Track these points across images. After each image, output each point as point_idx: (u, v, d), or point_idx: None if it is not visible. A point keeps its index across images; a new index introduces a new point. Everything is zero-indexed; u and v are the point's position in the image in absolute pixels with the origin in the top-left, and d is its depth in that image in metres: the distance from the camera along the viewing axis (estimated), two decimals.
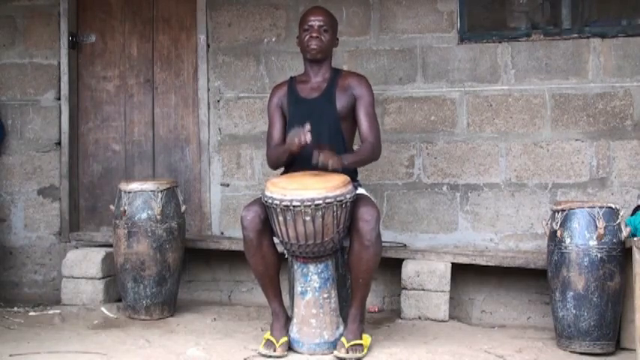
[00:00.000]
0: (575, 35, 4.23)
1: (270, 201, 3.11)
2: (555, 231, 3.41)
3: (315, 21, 3.47)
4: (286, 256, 3.36)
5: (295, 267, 3.28)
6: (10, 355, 3.23)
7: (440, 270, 3.93)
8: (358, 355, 3.18)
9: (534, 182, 4.26)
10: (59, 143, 4.78)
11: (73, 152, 4.80)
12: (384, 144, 3.92)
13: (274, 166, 3.54)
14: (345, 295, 3.39)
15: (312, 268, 3.22)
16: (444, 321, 3.90)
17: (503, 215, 4.28)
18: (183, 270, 4.32)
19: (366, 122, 3.44)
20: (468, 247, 4.28)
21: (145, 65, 4.78)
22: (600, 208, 3.35)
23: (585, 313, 3.32)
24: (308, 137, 3.16)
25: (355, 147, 3.59)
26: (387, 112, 4.42)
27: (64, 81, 4.77)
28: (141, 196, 3.95)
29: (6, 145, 4.84)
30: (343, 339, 3.19)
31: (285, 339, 3.25)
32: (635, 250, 2.88)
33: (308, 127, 3.17)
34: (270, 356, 3.20)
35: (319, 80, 3.53)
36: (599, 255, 3.31)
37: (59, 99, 4.79)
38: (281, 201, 3.07)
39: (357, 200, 3.18)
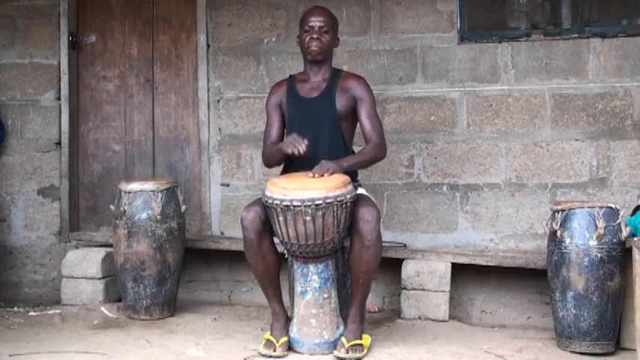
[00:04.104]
0: (575, 35, 4.23)
1: (270, 201, 3.11)
2: (555, 231, 3.41)
3: (316, 22, 3.47)
4: (286, 256, 3.36)
5: (295, 267, 3.28)
6: (10, 355, 3.23)
7: (440, 270, 3.93)
8: (358, 355, 3.18)
9: (534, 182, 4.26)
10: (59, 143, 4.78)
11: (73, 152, 4.79)
12: None
13: (267, 164, 3.56)
14: (345, 295, 3.39)
15: (312, 268, 3.22)
16: (444, 321, 3.90)
17: (503, 215, 4.28)
18: (183, 270, 4.32)
19: (369, 123, 3.45)
20: (468, 247, 4.28)
21: (145, 65, 4.78)
22: (600, 208, 3.34)
23: (585, 313, 3.32)
24: (302, 148, 3.19)
25: (355, 147, 3.60)
26: (387, 112, 4.41)
27: (64, 81, 4.77)
28: (141, 196, 3.95)
29: (6, 145, 4.84)
30: (343, 339, 3.19)
31: (285, 339, 3.25)
32: (635, 250, 2.88)
33: (306, 142, 3.21)
34: (270, 356, 3.21)
35: (319, 80, 3.54)
36: (599, 255, 3.31)
37: (59, 99, 4.79)
38: (281, 201, 3.07)
39: (357, 200, 3.18)
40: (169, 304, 4.02)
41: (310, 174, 3.18)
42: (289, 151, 3.22)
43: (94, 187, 4.83)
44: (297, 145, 3.20)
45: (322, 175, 3.15)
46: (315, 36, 3.45)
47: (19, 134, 4.84)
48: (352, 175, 3.40)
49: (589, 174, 4.19)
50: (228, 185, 4.64)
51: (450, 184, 4.36)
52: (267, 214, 3.20)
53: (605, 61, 4.18)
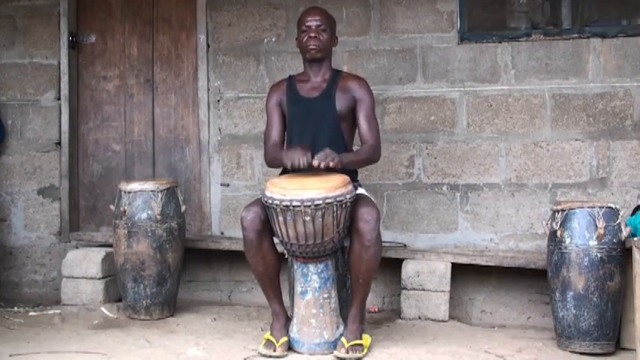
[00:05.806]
0: (575, 35, 4.23)
1: (270, 201, 3.11)
2: (555, 231, 3.41)
3: (313, 21, 3.47)
4: (286, 256, 3.36)
5: (295, 267, 3.28)
6: (10, 355, 3.23)
7: (440, 270, 3.93)
8: (358, 355, 3.18)
9: (534, 182, 4.26)
10: (59, 143, 4.79)
11: (73, 152, 4.80)
12: (384, 144, 3.93)
13: (270, 165, 3.56)
14: (345, 295, 3.39)
15: (312, 268, 3.22)
16: (444, 321, 3.90)
17: (503, 215, 4.28)
18: (183, 270, 4.32)
19: (366, 125, 3.45)
20: (468, 247, 4.28)
21: (145, 65, 4.78)
22: (600, 208, 3.34)
23: (585, 313, 3.32)
24: (303, 162, 3.14)
25: (355, 147, 3.60)
26: (387, 112, 4.42)
27: (64, 81, 4.77)
28: (141, 196, 3.95)
29: (6, 145, 4.85)
30: (343, 339, 3.19)
31: (285, 339, 3.25)
32: (635, 250, 2.88)
33: (309, 155, 3.16)
34: (270, 356, 3.21)
35: (319, 80, 3.54)
36: (599, 255, 3.31)
37: (59, 99, 4.79)
38: (281, 201, 3.07)
39: (357, 200, 3.18)
40: (169, 304, 4.02)
41: (315, 162, 3.13)
42: (289, 164, 3.18)
43: (94, 187, 4.83)
44: (299, 159, 3.16)
45: (325, 164, 3.10)
46: (312, 35, 3.45)
47: (19, 134, 4.84)
48: (352, 175, 3.40)
49: (589, 174, 4.19)
50: (228, 185, 4.64)
51: (450, 184, 4.36)
52: (267, 214, 3.20)
53: (605, 61, 4.18)
